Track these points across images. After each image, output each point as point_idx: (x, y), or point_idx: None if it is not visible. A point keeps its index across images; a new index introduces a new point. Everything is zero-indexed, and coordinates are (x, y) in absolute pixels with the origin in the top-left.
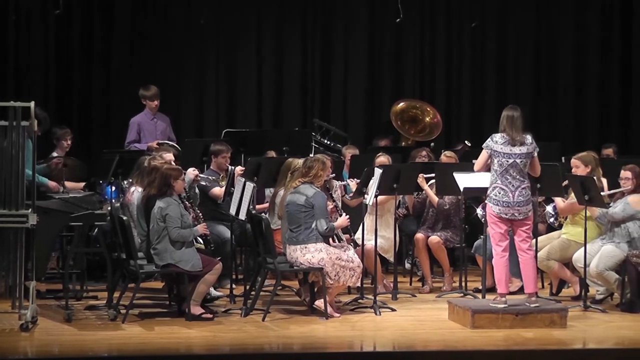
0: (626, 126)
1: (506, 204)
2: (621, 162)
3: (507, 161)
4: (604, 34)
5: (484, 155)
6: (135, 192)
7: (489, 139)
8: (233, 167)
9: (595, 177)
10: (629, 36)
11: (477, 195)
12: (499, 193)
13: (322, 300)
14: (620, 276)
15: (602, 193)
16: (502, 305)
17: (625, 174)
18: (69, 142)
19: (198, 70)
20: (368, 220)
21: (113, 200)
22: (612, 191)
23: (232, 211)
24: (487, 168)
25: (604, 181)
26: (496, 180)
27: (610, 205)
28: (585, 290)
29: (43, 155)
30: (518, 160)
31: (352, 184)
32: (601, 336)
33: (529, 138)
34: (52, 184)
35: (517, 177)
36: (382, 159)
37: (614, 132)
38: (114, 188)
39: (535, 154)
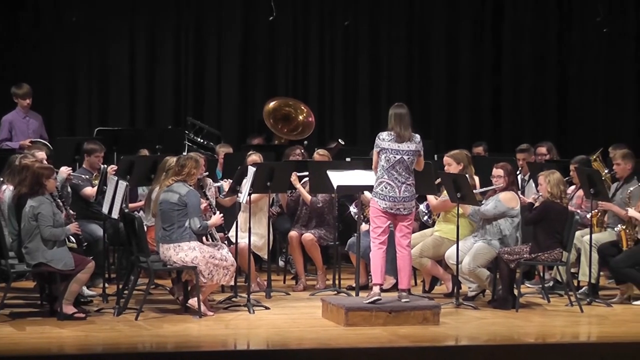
0: (497, 125)
1: (393, 198)
2: (493, 159)
3: (395, 157)
4: (475, 33)
5: (375, 155)
6: (7, 191)
7: (377, 138)
8: (106, 166)
9: (467, 175)
10: (499, 35)
11: (351, 194)
12: (386, 188)
13: (196, 299)
14: (492, 273)
15: (474, 191)
16: (376, 298)
17: (497, 171)
18: None
19: (70, 68)
20: (241, 218)
21: None
22: (484, 189)
23: (105, 210)
24: None
25: (476, 179)
26: (382, 176)
27: (482, 202)
28: (457, 287)
29: None
30: (405, 157)
31: (225, 184)
32: (473, 333)
33: (417, 137)
34: None
35: (403, 173)
36: (254, 157)
37: (485, 131)
38: None
39: (422, 152)
